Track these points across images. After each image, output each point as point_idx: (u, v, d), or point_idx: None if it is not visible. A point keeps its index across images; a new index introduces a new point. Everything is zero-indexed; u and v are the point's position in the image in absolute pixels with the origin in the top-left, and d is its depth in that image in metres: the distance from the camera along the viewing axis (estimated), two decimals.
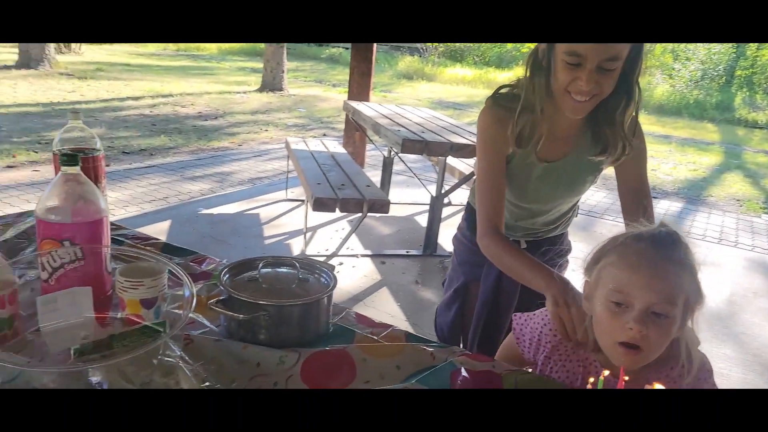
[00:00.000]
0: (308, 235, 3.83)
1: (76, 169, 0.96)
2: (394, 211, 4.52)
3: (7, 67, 10.31)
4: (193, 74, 12.72)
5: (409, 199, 4.87)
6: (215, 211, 4.18)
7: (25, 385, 0.84)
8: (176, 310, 1.05)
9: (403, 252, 3.76)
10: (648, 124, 11.47)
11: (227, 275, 1.10)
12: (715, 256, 4.25)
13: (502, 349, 1.23)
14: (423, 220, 4.25)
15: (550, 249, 1.42)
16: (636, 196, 1.30)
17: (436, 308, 1.71)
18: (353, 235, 3.83)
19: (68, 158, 0.95)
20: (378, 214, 3.80)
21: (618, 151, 1.25)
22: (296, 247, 3.68)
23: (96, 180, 1.29)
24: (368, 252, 3.71)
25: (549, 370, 1.05)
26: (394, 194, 4.88)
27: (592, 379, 0.77)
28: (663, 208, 5.42)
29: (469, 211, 1.55)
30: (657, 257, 0.87)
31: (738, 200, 6.07)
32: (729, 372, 2.65)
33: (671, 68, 15.66)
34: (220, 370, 0.94)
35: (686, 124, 11.81)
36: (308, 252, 3.60)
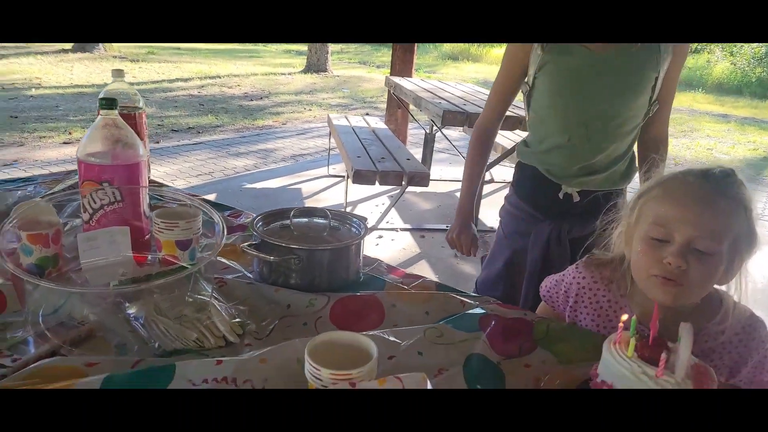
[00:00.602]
0: (349, 209, 3.85)
1: (114, 113, 0.99)
2: (435, 187, 4.48)
3: (64, 51, 10.76)
4: (240, 57, 12.93)
5: (450, 176, 4.82)
6: (258, 185, 4.26)
7: (67, 318, 0.87)
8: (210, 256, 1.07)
9: (443, 227, 3.73)
10: (706, 103, 10.92)
11: (260, 223, 1.11)
12: None
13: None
14: None
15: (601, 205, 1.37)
16: (664, 101, 1.34)
17: (476, 283, 1.64)
18: (393, 209, 3.82)
19: (106, 102, 0.98)
20: (418, 189, 3.78)
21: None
22: None
23: (138, 137, 1.33)
24: (408, 226, 3.70)
25: (576, 315, 1.02)
26: (436, 171, 4.84)
27: (624, 317, 0.73)
28: None
29: (517, 170, 1.49)
30: (704, 190, 0.81)
31: None
32: None
33: (732, 45, 14.81)
34: (251, 310, 0.95)
35: (747, 103, 11.18)
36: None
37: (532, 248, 1.41)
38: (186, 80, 8.98)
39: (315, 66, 10.97)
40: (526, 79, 1.39)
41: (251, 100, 7.89)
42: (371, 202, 4.08)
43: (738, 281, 0.86)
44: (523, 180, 1.44)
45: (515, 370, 0.83)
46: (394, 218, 3.80)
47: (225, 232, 0.92)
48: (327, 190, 4.30)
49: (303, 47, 12.88)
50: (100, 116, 0.99)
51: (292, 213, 1.14)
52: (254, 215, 1.35)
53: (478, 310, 0.95)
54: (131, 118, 1.37)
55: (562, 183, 1.37)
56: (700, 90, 12.07)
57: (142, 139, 1.37)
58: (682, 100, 10.62)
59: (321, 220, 1.16)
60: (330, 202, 4.02)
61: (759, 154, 6.87)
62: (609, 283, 0.98)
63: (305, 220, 1.16)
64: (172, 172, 4.38)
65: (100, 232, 0.95)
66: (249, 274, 1.09)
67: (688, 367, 0.67)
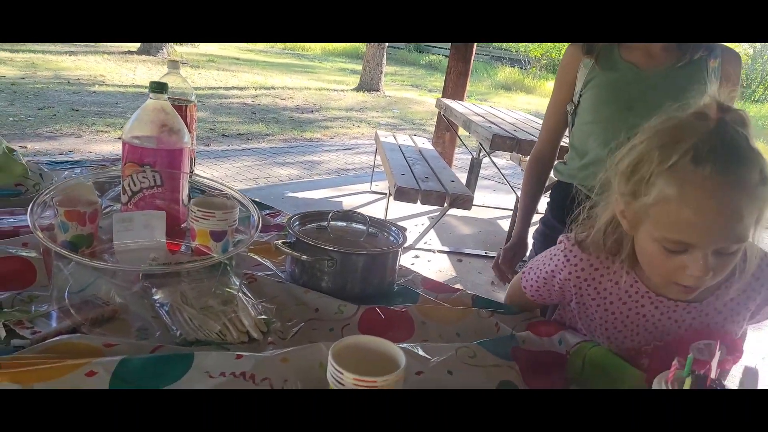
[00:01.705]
0: None
1: (163, 97, 0.99)
2: (477, 212, 4.41)
3: (130, 53, 11.25)
4: (296, 71, 13.24)
5: (493, 203, 4.74)
6: (300, 195, 4.28)
7: (93, 297, 0.86)
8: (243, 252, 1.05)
9: (482, 252, 3.65)
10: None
11: (297, 222, 1.09)
12: None
13: (511, 289, 1.14)
14: (506, 225, 4.11)
15: None
16: None
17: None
18: (432, 230, 3.77)
19: (156, 85, 0.98)
20: (460, 213, 3.72)
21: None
22: None
23: (188, 129, 1.34)
24: (446, 248, 3.63)
25: (586, 311, 0.95)
26: (479, 196, 4.76)
27: (675, 362, 0.65)
28: None
29: (554, 190, 1.45)
30: (726, 189, 0.69)
31: None
32: None
33: None
34: (279, 309, 0.92)
35: None
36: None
37: None
38: (242, 89, 9.23)
39: (368, 85, 11.10)
40: (573, 98, 1.35)
41: (302, 112, 8.02)
42: (411, 221, 4.04)
43: (754, 232, 0.76)
44: (560, 199, 1.37)
45: None
46: (433, 239, 3.74)
47: (260, 226, 0.89)
48: (368, 205, 4.29)
49: (358, 66, 13.08)
50: (149, 99, 0.99)
51: (330, 215, 1.11)
52: (292, 214, 1.34)
53: (510, 339, 0.89)
54: (181, 110, 1.38)
55: None
56: (761, 140, 11.57)
57: (190, 131, 1.38)
58: None
59: (359, 226, 1.12)
60: None
61: None
62: (610, 265, 0.89)
63: (343, 223, 1.13)
64: (218, 174, 4.46)
65: (136, 214, 0.94)
66: (281, 273, 1.06)
67: None
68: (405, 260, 3.36)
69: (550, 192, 1.50)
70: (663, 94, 1.21)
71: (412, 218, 4.10)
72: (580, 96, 1.32)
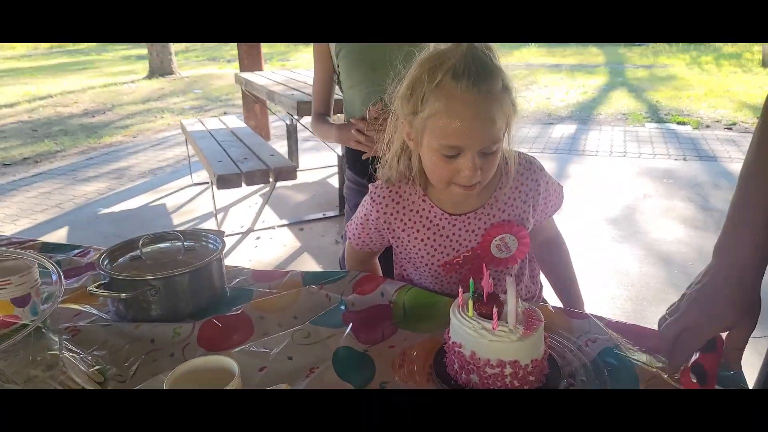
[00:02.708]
0: (220, 216, 3.73)
1: None
2: (305, 177, 4.49)
3: None
4: (72, 70, 11.78)
5: (319, 163, 4.84)
6: (117, 208, 3.97)
7: None
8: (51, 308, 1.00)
9: (320, 215, 3.76)
10: (539, 56, 11.91)
11: (106, 260, 1.06)
12: (608, 168, 4.56)
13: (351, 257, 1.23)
14: (335, 182, 4.25)
15: None
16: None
17: (339, 261, 1.65)
18: (267, 207, 3.77)
19: None
20: (289, 183, 3.76)
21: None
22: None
23: None
24: (285, 222, 3.67)
25: (402, 241, 1.08)
26: (304, 161, 4.83)
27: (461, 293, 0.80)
28: (559, 133, 5.72)
29: (345, 151, 1.59)
30: (480, 100, 0.87)
31: (624, 114, 6.49)
32: (628, 268, 2.90)
33: None
34: (112, 353, 0.91)
35: (574, 51, 12.37)
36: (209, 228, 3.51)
37: None
38: (11, 106, 8.02)
39: (159, 69, 10.30)
40: (334, 68, 1.55)
41: (93, 116, 7.25)
42: (243, 204, 3.99)
43: (507, 138, 0.97)
44: (355, 158, 1.50)
45: (382, 353, 0.88)
46: (270, 216, 3.75)
47: (62, 279, 0.87)
48: (194, 200, 4.12)
49: (142, 50, 11.99)
50: None
51: (140, 242, 1.10)
52: (101, 251, 1.28)
53: (341, 306, 1.00)
54: None
55: None
56: (532, 44, 13.13)
57: None
58: (518, 56, 11.49)
59: (174, 243, 1.13)
60: (200, 213, 3.86)
61: (589, 96, 7.66)
62: (409, 192, 1.04)
63: (157, 246, 1.13)
64: (12, 212, 3.93)
65: None
66: (105, 315, 1.03)
67: (518, 314, 0.77)
68: (248, 243, 3.35)
69: (345, 151, 1.61)
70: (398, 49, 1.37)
71: (244, 200, 4.05)
72: (338, 66, 1.50)
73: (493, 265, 1.06)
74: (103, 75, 10.83)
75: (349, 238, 1.17)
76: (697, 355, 0.73)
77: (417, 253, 1.08)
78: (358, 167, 1.50)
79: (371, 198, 1.07)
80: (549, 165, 4.57)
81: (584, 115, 6.52)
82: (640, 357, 0.85)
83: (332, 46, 1.50)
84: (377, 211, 1.06)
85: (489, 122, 0.89)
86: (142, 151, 5.57)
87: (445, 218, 1.04)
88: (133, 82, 9.93)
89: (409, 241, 1.07)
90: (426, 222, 1.05)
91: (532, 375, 0.77)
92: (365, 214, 1.10)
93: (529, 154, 1.10)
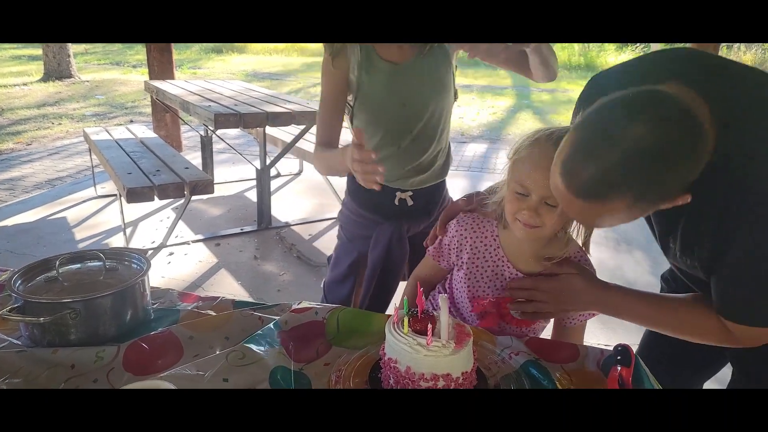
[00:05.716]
0: (129, 230, 3.53)
1: None
2: (222, 190, 4.36)
3: None
4: None
5: (235, 176, 4.73)
6: (10, 222, 3.64)
7: None
8: None
9: (237, 230, 3.67)
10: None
11: (19, 281, 0.99)
12: None
13: (421, 267, 1.31)
14: (253, 195, 4.18)
15: (434, 201, 1.53)
16: None
17: (323, 285, 1.66)
18: (181, 221, 3.62)
19: None
20: (204, 196, 3.64)
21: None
22: (117, 245, 3.38)
23: None
24: (200, 236, 3.55)
25: (461, 257, 1.18)
26: (220, 173, 4.70)
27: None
28: (471, 151, 5.99)
29: (351, 180, 1.52)
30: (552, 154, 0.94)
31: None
32: None
33: None
34: (27, 381, 0.86)
35: (484, 73, 13.02)
36: (132, 247, 3.33)
37: (373, 248, 1.49)
38: None
39: (56, 72, 9.58)
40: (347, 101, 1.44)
41: None
42: (155, 218, 3.81)
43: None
44: (357, 189, 1.49)
45: (317, 371, 0.90)
46: (184, 231, 3.61)
47: None
48: (99, 213, 3.88)
49: (36, 51, 11.09)
50: None
51: (58, 262, 1.04)
52: (12, 271, 1.20)
53: (274, 326, 1.00)
54: None
55: (396, 187, 1.47)
56: None
57: None
58: None
59: (95, 263, 1.08)
60: (106, 227, 3.64)
61: (498, 117, 8.10)
62: (488, 229, 1.15)
63: (76, 266, 1.07)
64: None
65: None
66: (18, 341, 0.97)
67: (450, 330, 0.82)
68: (160, 260, 3.20)
69: (347, 181, 1.54)
70: (423, 81, 1.40)
71: (155, 213, 3.87)
72: (355, 99, 1.41)
73: (509, 320, 1.12)
74: None
75: (429, 251, 1.25)
76: (619, 369, 0.85)
77: (466, 276, 1.16)
78: (361, 198, 1.49)
79: (457, 221, 1.18)
80: (463, 183, 4.78)
81: (494, 135, 6.88)
82: (555, 371, 0.93)
83: (351, 80, 1.40)
84: (456, 230, 1.17)
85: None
86: (38, 159, 5.16)
87: (507, 266, 1.13)
88: (26, 84, 9.16)
89: (467, 267, 1.16)
90: (489, 261, 1.14)
91: (462, 387, 0.82)
92: (449, 233, 1.20)
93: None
